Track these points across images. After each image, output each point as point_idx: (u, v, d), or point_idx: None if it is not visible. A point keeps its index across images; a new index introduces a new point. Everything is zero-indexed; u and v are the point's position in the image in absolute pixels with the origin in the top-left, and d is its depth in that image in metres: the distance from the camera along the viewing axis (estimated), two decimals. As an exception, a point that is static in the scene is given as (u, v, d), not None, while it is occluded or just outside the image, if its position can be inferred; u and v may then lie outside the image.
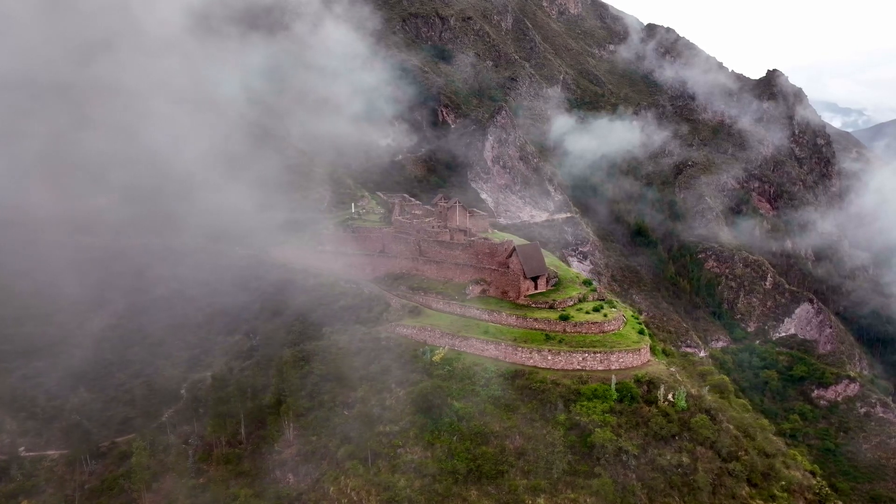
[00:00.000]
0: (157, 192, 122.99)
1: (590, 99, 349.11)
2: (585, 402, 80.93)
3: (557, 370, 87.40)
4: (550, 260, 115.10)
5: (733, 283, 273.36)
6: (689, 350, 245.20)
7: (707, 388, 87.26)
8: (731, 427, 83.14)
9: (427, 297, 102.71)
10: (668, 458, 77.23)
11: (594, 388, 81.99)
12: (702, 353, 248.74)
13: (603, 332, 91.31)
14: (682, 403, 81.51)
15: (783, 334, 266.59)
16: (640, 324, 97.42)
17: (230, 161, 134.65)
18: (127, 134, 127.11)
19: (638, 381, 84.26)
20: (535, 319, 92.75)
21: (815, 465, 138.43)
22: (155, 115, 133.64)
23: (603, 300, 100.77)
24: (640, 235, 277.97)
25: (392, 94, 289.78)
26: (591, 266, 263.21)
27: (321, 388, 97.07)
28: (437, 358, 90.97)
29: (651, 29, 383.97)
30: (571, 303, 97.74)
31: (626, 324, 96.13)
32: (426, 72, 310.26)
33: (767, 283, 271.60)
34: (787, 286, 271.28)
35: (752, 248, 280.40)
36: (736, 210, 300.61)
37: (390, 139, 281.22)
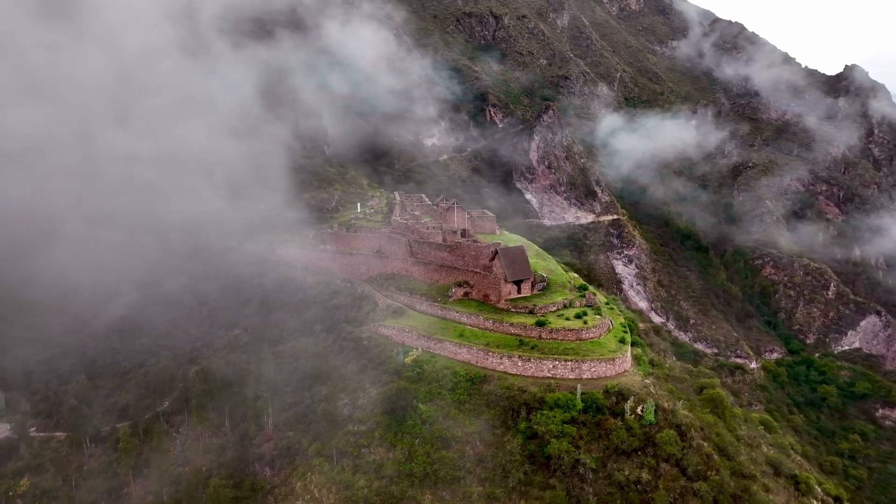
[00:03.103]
0: (174, 190, 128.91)
1: (647, 97, 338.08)
2: (546, 412, 78.66)
3: (527, 377, 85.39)
4: (545, 264, 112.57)
5: (792, 292, 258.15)
6: (738, 361, 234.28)
7: (681, 402, 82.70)
8: (705, 444, 78.56)
9: (412, 298, 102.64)
10: (627, 473, 74.01)
11: (557, 398, 79.54)
12: (753, 365, 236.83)
13: (580, 340, 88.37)
14: (650, 417, 77.84)
15: (846, 348, 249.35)
16: (625, 332, 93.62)
17: (245, 161, 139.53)
18: (146, 135, 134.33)
19: (607, 391, 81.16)
20: (511, 324, 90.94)
21: (843, 490, 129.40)
22: (170, 114, 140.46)
23: (591, 306, 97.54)
24: (689, 239, 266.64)
25: (439, 93, 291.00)
26: (637, 270, 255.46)
27: (304, 385, 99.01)
28: (408, 360, 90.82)
29: (714, 23, 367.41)
30: (554, 308, 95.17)
31: (609, 332, 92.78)
32: (476, 71, 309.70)
33: (830, 293, 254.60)
34: (852, 296, 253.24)
35: (815, 254, 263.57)
36: (800, 214, 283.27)
37: (435, 139, 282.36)
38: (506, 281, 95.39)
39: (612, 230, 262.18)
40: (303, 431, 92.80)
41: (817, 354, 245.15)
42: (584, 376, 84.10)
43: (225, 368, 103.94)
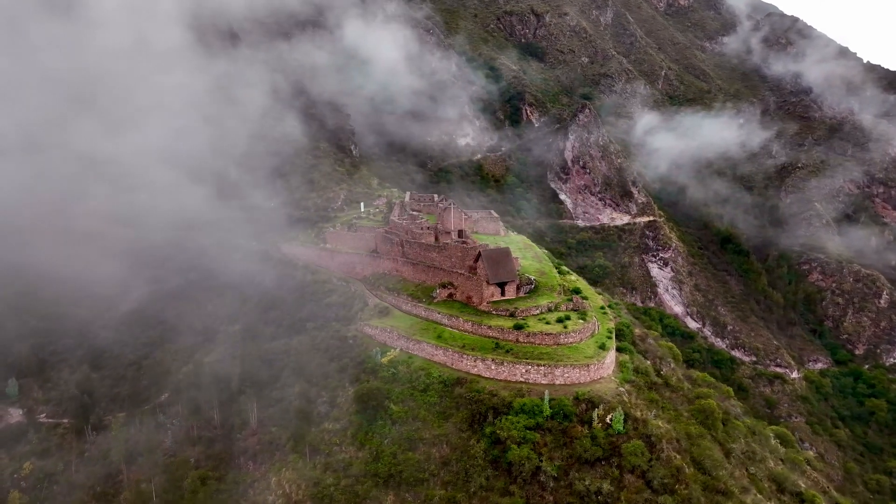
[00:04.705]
0: (188, 188, 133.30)
1: (693, 95, 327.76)
2: (511, 417, 77.35)
3: (500, 381, 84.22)
4: (539, 266, 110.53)
5: (840, 300, 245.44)
6: (778, 370, 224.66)
7: (653, 412, 79.63)
8: (676, 457, 75.44)
9: (399, 298, 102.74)
10: (587, 482, 71.96)
11: (524, 403, 78.08)
12: (794, 375, 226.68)
13: (557, 345, 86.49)
14: (619, 426, 75.40)
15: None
16: (609, 337, 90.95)
17: (260, 160, 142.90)
18: (159, 133, 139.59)
19: (577, 398, 79.09)
20: (489, 327, 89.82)
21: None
22: (183, 113, 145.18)
23: (577, 310, 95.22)
24: (730, 242, 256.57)
25: (475, 92, 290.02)
26: (672, 273, 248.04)
27: (290, 382, 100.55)
28: (385, 360, 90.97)
29: (767, 17, 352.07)
30: (537, 311, 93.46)
31: (592, 337, 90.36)
32: (514, 70, 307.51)
33: (882, 301, 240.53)
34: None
35: (866, 260, 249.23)
36: (852, 217, 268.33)
37: (469, 138, 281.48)
38: (488, 283, 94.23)
39: (647, 232, 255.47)
40: (284, 427, 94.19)
41: (867, 366, 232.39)
42: (557, 382, 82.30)
43: (220, 363, 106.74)
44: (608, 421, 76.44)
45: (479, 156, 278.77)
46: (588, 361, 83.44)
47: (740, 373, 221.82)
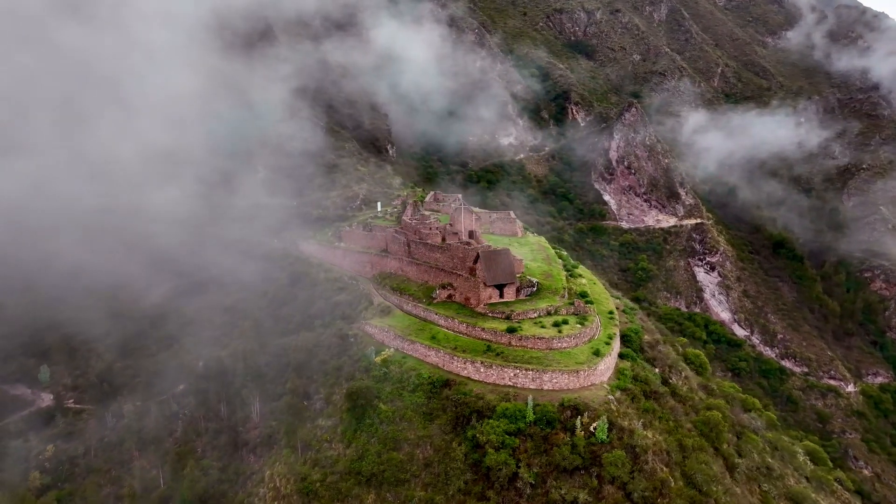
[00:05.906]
0: (218, 186, 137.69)
1: (751, 93, 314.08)
2: (493, 421, 76.01)
3: (488, 384, 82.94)
4: (548, 268, 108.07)
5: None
6: (831, 382, 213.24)
7: (641, 422, 76.46)
8: (662, 469, 72.32)
9: (401, 297, 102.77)
10: (564, 491, 69.96)
11: (507, 407, 76.60)
12: (850, 388, 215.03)
13: (550, 349, 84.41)
14: (602, 435, 72.92)
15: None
16: (607, 343, 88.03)
17: (285, 160, 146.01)
18: (188, 131, 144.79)
19: (562, 405, 76.94)
20: (483, 329, 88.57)
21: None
22: (208, 113, 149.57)
23: (577, 314, 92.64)
24: (783, 247, 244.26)
25: (519, 91, 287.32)
26: (719, 279, 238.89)
27: (291, 377, 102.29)
28: (378, 359, 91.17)
29: (834, 10, 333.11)
30: (535, 315, 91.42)
31: (588, 342, 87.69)
32: (561, 68, 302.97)
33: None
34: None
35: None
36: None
37: (512, 138, 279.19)
38: (486, 284, 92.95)
39: (694, 235, 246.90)
40: (283, 422, 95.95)
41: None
42: (545, 387, 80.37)
43: (230, 358, 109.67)
44: (592, 429, 74.06)
45: (521, 155, 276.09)
46: (578, 367, 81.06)
47: (790, 384, 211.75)
